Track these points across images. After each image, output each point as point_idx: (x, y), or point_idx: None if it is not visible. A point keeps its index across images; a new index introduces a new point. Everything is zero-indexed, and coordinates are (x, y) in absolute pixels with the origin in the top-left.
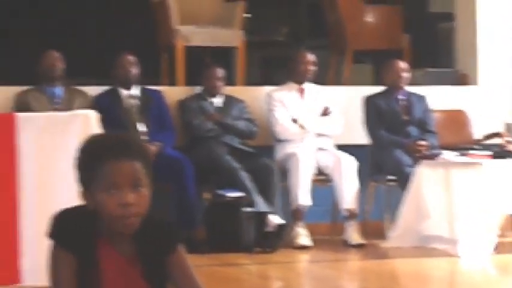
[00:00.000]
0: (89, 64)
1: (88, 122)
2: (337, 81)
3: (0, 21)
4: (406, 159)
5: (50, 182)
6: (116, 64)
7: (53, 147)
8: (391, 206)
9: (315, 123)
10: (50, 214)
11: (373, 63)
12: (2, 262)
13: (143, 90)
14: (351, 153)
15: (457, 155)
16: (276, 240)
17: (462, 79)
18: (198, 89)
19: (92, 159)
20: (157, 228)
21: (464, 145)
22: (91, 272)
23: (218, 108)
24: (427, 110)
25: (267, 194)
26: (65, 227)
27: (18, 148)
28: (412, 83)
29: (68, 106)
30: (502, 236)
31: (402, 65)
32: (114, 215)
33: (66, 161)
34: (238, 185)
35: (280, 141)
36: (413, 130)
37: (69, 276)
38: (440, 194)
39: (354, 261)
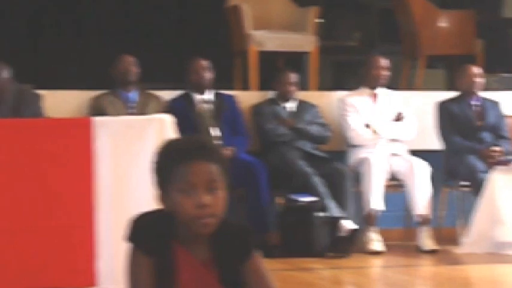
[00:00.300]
0: (163, 68)
1: (163, 126)
2: (410, 86)
3: (75, 26)
4: (479, 165)
5: (125, 185)
6: (190, 69)
7: (129, 151)
8: (464, 212)
9: (388, 129)
10: (125, 218)
11: (446, 69)
12: (79, 265)
13: (216, 95)
14: (424, 159)
15: None
16: (348, 245)
17: None
18: (271, 94)
19: (169, 161)
20: (234, 233)
21: None
22: (168, 275)
23: (291, 113)
24: (500, 116)
25: (339, 198)
26: (143, 231)
27: (94, 152)
28: (486, 88)
29: (142, 110)
30: None
31: (476, 70)
32: (190, 216)
33: (142, 165)
34: (311, 190)
35: (353, 146)
36: (486, 136)
37: (147, 280)
38: None
39: (426, 267)
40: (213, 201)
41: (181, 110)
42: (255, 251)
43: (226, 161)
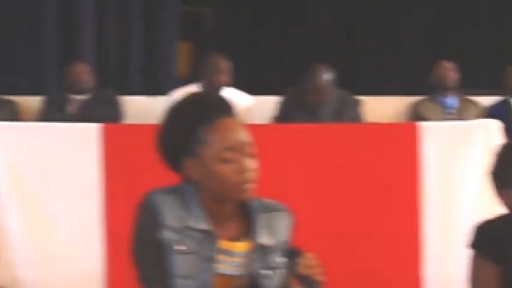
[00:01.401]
0: (482, 74)
1: (489, 132)
2: None
3: (392, 33)
4: None
5: (453, 191)
6: (508, 74)
7: (455, 156)
8: None
9: None
10: (453, 224)
11: None
12: (404, 271)
13: None
14: None
15: None
16: None
17: None
18: None
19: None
20: None
21: None
22: None
23: None
24: None
25: None
26: (486, 237)
27: (421, 157)
28: None
29: (461, 116)
30: None
31: None
32: None
33: (469, 170)
34: None
35: None
36: None
37: (491, 286)
38: None
39: None
40: None
41: (500, 116)
42: None
43: None
